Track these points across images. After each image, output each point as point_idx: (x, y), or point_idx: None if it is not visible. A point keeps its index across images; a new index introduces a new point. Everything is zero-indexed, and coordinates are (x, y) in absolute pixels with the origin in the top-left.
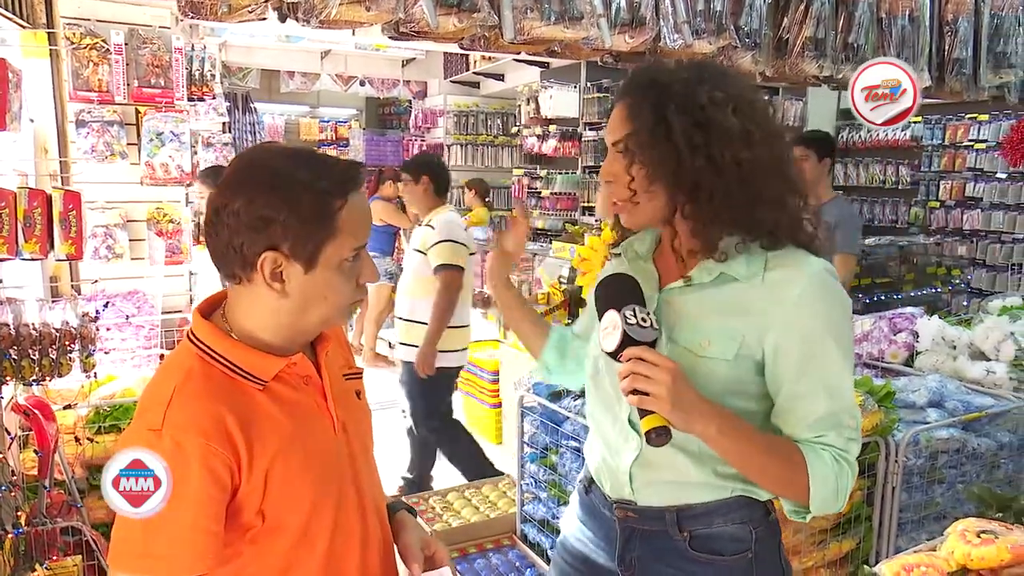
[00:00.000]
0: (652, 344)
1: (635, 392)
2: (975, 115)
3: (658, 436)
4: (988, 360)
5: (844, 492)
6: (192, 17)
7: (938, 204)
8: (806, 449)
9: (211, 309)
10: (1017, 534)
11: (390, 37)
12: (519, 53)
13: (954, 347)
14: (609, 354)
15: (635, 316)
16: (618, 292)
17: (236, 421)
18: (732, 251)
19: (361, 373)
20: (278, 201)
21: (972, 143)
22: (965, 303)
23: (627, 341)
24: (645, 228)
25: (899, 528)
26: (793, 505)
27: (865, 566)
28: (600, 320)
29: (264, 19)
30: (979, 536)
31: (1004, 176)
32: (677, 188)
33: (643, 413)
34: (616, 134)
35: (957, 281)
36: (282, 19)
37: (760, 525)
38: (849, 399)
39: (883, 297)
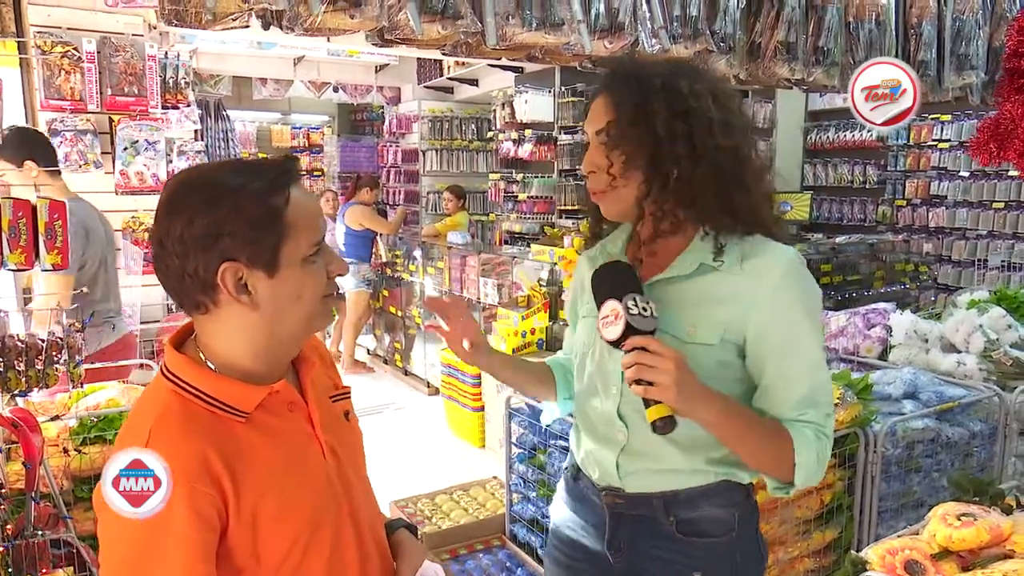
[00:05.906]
0: (651, 333)
1: (639, 382)
2: (938, 115)
3: (664, 425)
4: (959, 352)
5: (824, 465)
6: (177, 25)
7: (904, 202)
8: (791, 428)
9: (184, 338)
10: (995, 516)
11: (374, 44)
12: (500, 59)
13: (926, 340)
14: (611, 343)
15: (636, 305)
16: (617, 280)
17: (220, 458)
18: (706, 241)
19: (348, 393)
20: (221, 212)
21: (936, 143)
22: (932, 298)
23: (629, 331)
24: (622, 218)
25: (879, 517)
26: (776, 482)
27: (852, 552)
28: (599, 309)
29: (247, 27)
30: (959, 519)
31: (967, 175)
32: (655, 174)
33: (648, 403)
34: (598, 123)
35: (924, 277)
36: (265, 27)
37: (742, 507)
38: (825, 377)
39: (854, 294)
